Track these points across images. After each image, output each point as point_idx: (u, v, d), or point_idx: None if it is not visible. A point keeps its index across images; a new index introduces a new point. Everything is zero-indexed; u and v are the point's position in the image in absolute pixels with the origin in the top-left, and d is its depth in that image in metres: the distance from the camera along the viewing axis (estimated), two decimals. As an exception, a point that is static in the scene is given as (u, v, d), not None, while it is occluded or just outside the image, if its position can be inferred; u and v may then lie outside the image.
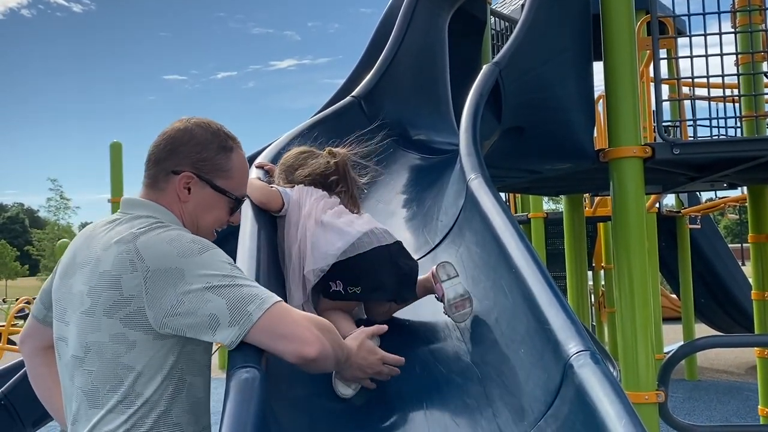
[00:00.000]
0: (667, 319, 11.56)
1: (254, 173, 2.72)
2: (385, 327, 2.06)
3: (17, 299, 17.38)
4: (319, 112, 4.15)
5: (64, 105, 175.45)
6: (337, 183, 2.51)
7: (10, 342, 12.46)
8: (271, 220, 2.40)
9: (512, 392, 1.88)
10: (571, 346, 1.64)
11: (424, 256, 2.75)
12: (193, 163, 1.78)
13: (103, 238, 1.69)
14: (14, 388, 4.08)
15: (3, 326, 12.78)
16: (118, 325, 1.59)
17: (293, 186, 2.50)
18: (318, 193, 2.46)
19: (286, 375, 1.94)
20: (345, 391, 1.98)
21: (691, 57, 4.38)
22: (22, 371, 4.13)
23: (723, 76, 4.46)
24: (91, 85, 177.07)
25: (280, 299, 1.63)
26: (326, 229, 2.31)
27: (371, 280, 2.28)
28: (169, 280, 1.56)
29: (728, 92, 5.49)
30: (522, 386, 1.85)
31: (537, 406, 1.72)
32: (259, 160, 2.91)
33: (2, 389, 4.11)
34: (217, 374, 11.63)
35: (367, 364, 1.88)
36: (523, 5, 4.13)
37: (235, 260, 1.89)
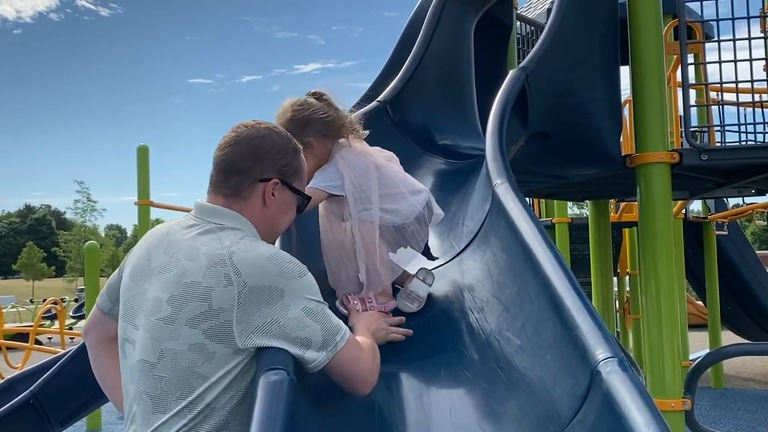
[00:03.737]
0: (693, 326, 11.42)
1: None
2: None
3: (44, 300, 17.62)
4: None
5: (91, 108, 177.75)
6: (344, 125, 2.49)
7: (38, 342, 12.63)
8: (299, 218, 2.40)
9: (538, 398, 1.88)
10: (599, 352, 1.63)
11: (450, 260, 2.76)
12: (278, 169, 1.83)
13: (186, 247, 1.69)
14: (43, 387, 4.13)
15: (31, 327, 12.95)
16: (200, 336, 1.60)
17: (313, 138, 2.43)
18: (366, 152, 2.51)
19: (314, 378, 1.95)
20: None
21: (720, 62, 4.34)
22: (50, 371, 4.18)
23: (752, 81, 4.41)
24: (117, 89, 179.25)
25: (348, 331, 1.77)
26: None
27: None
28: (266, 297, 1.60)
29: (756, 97, 5.41)
30: (548, 392, 1.85)
31: (564, 413, 1.72)
32: None
33: (31, 389, 4.16)
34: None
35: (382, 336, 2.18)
36: (549, 10, 4.12)
37: None
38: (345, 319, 2.23)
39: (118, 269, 1.91)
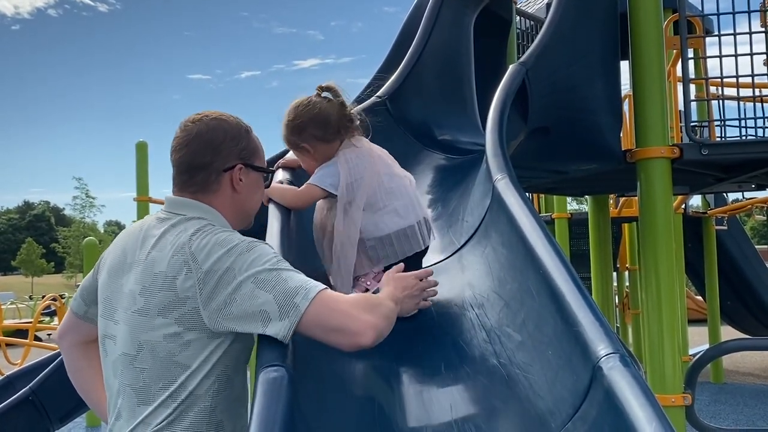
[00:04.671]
0: (693, 321, 11.44)
1: (280, 175, 2.72)
2: (401, 266, 2.19)
3: (43, 296, 17.62)
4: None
5: (89, 104, 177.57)
6: (346, 125, 2.46)
7: (37, 338, 12.63)
8: (300, 216, 2.40)
9: (539, 394, 1.87)
10: (600, 348, 1.63)
11: (449, 256, 2.75)
12: (237, 154, 1.86)
13: (156, 239, 1.74)
14: (42, 384, 4.14)
15: (30, 323, 12.95)
16: (173, 325, 1.65)
17: (308, 145, 2.45)
18: (364, 153, 2.46)
19: (314, 374, 1.95)
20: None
21: (720, 56, 4.33)
22: (49, 368, 4.18)
23: (753, 75, 4.40)
24: (116, 84, 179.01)
25: (325, 287, 1.66)
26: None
27: None
28: (220, 279, 1.62)
29: (756, 92, 5.40)
30: (549, 388, 1.84)
31: (564, 409, 1.71)
32: (283, 160, 2.88)
33: (30, 385, 4.17)
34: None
35: (411, 293, 2.05)
36: (548, 4, 4.11)
37: None
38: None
39: (92, 271, 1.92)
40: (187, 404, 1.65)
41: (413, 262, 2.44)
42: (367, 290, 2.32)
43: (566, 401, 1.72)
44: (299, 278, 1.65)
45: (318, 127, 2.41)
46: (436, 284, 2.16)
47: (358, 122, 2.51)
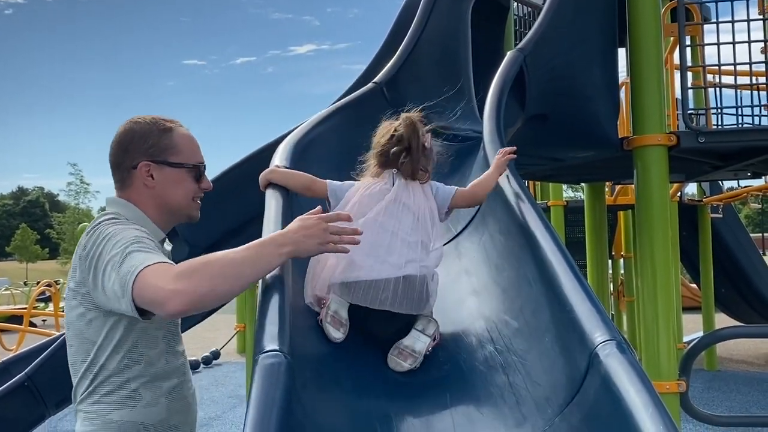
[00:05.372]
0: (687, 309, 11.48)
1: (277, 160, 2.70)
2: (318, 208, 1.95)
3: (38, 282, 17.60)
4: (340, 98, 4.14)
5: (84, 89, 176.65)
6: (399, 154, 2.23)
7: (32, 324, 12.62)
8: (298, 203, 2.38)
9: (536, 381, 1.88)
10: (597, 335, 1.63)
11: (446, 243, 2.74)
12: (143, 152, 1.98)
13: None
14: (37, 370, 4.15)
15: (25, 309, 12.94)
16: (80, 306, 1.86)
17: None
18: (373, 187, 2.22)
19: (312, 361, 1.95)
20: (334, 334, 2.06)
21: (718, 44, 4.32)
22: (45, 353, 4.19)
23: (750, 63, 4.40)
24: (110, 70, 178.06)
25: (154, 263, 1.68)
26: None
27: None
28: (95, 265, 1.78)
29: (754, 80, 5.39)
30: (546, 375, 1.85)
31: (562, 395, 1.72)
32: (276, 156, 2.77)
33: (26, 371, 4.17)
34: (236, 358, 11.75)
35: (310, 233, 1.81)
36: (546, -9, 4.07)
37: None
38: None
39: None
40: (100, 376, 1.85)
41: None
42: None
43: (563, 388, 1.72)
44: (139, 258, 1.71)
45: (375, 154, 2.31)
46: (355, 232, 1.89)
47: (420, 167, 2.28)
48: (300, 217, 1.88)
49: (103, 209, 2.02)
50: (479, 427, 1.88)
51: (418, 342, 2.11)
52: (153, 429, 1.87)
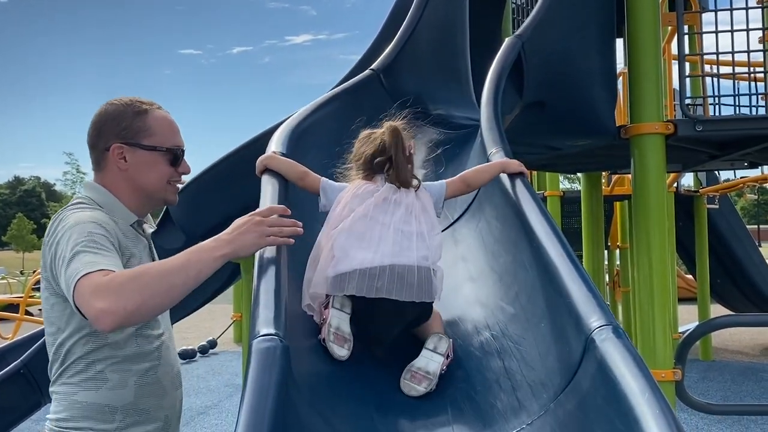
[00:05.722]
0: (682, 300, 11.50)
1: (273, 147, 2.68)
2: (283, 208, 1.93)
3: (34, 271, 17.58)
4: (336, 86, 4.11)
5: (80, 78, 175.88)
6: (383, 165, 2.20)
7: (28, 313, 12.61)
8: (294, 191, 2.35)
9: (532, 366, 1.87)
10: (593, 320, 1.63)
11: (443, 230, 2.73)
12: (116, 134, 1.97)
13: None
14: (33, 357, 4.14)
15: (21, 298, 12.94)
16: (46, 290, 1.88)
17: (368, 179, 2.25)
18: (374, 189, 2.18)
19: (307, 346, 1.95)
20: (339, 351, 1.98)
21: (717, 32, 4.31)
22: (40, 341, 4.18)
23: (748, 52, 4.39)
24: (107, 59, 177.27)
25: (94, 271, 1.65)
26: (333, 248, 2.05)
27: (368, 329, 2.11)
28: (55, 253, 1.78)
29: (752, 70, 5.38)
30: (542, 360, 1.84)
31: (557, 380, 1.72)
32: (272, 142, 2.73)
33: (22, 358, 4.17)
34: (233, 347, 11.76)
35: (245, 230, 1.78)
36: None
37: None
38: None
39: None
40: (68, 359, 1.86)
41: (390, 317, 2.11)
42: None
43: (559, 373, 1.72)
44: (84, 260, 1.69)
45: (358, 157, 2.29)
46: (295, 224, 1.86)
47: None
48: (237, 221, 1.84)
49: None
50: (475, 412, 1.88)
51: (431, 363, 2.02)
52: (119, 411, 1.86)
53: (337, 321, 2.00)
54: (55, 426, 1.87)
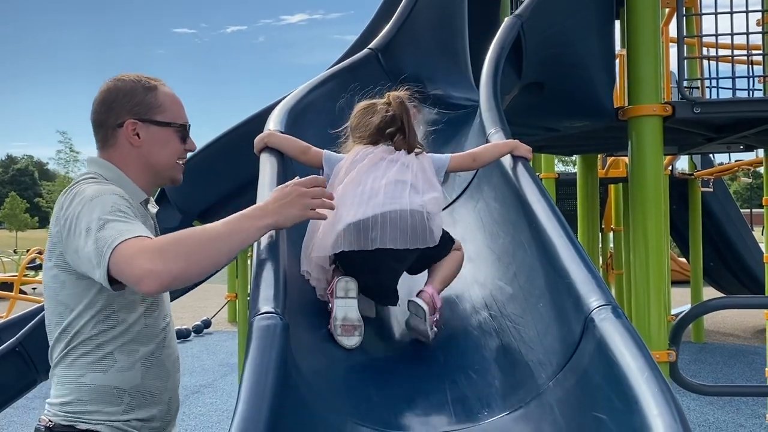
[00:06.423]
0: (675, 283, 11.57)
1: (272, 125, 2.67)
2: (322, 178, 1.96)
3: (28, 250, 17.53)
4: (334, 65, 4.09)
5: (73, 57, 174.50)
6: (393, 135, 2.21)
7: (22, 292, 12.59)
8: (293, 168, 2.35)
9: (530, 346, 1.88)
10: (593, 299, 1.63)
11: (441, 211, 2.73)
12: (129, 110, 1.92)
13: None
14: (28, 335, 4.13)
15: (15, 276, 12.92)
16: (54, 268, 1.81)
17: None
18: (370, 151, 2.19)
19: (307, 324, 1.95)
20: (348, 342, 1.97)
21: (716, 13, 4.29)
22: (36, 319, 4.17)
23: (747, 34, 4.37)
24: (100, 38, 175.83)
25: (133, 237, 1.64)
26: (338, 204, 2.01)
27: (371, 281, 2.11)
28: (71, 227, 1.73)
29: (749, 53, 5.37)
30: (541, 339, 1.85)
31: (556, 360, 1.72)
32: (270, 121, 2.73)
33: (17, 336, 4.15)
34: (227, 327, 11.79)
35: (288, 201, 1.77)
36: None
37: None
38: None
39: None
40: (75, 340, 1.80)
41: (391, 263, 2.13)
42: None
43: (557, 352, 1.73)
44: (118, 228, 1.66)
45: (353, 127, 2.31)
46: (330, 197, 1.87)
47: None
48: (276, 188, 1.84)
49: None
50: (473, 391, 1.89)
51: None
52: (127, 394, 1.82)
53: (344, 311, 1.99)
54: (60, 410, 1.81)
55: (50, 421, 1.81)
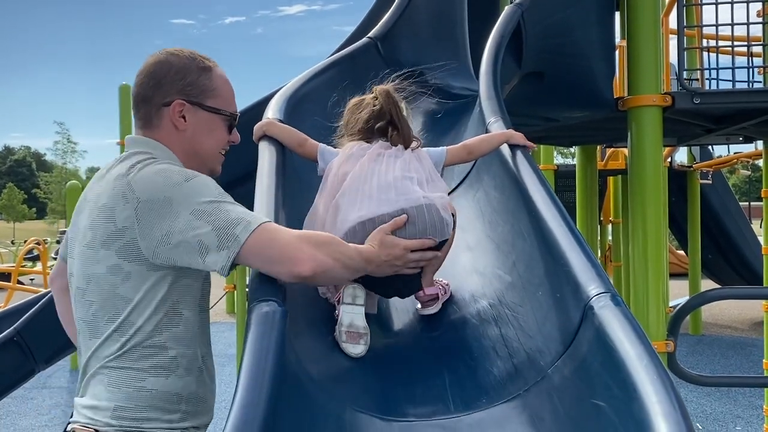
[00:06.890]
0: (673, 275, 11.59)
1: (270, 113, 2.66)
2: (404, 217, 1.95)
3: (25, 241, 17.55)
4: (332, 55, 4.07)
5: (71, 48, 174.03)
6: (385, 129, 2.16)
7: (20, 282, 12.60)
8: (291, 158, 2.34)
9: (529, 334, 1.88)
10: (592, 287, 1.63)
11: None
12: (179, 90, 1.78)
13: (107, 175, 1.73)
14: (26, 325, 4.13)
15: (13, 267, 12.92)
16: (113, 257, 1.63)
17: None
18: (366, 147, 2.14)
19: (305, 311, 1.94)
20: (353, 350, 1.92)
21: (716, 3, 4.28)
22: (34, 309, 4.17)
23: (747, 24, 4.36)
24: (98, 29, 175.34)
25: (269, 220, 1.63)
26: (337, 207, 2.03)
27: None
28: (158, 210, 1.59)
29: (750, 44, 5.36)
30: (539, 328, 1.85)
31: (554, 347, 1.72)
32: (269, 109, 2.71)
33: (15, 326, 4.15)
34: (226, 318, 11.80)
35: (393, 258, 1.85)
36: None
37: (252, 202, 1.91)
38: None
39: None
40: (135, 339, 1.64)
41: None
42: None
43: (556, 340, 1.73)
44: (241, 210, 1.62)
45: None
46: (432, 257, 2.00)
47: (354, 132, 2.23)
48: (386, 240, 1.87)
49: (90, 170, 1.91)
50: (472, 379, 1.89)
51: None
52: (185, 401, 1.68)
53: (350, 318, 1.94)
54: (113, 417, 1.62)
55: (96, 430, 1.63)
